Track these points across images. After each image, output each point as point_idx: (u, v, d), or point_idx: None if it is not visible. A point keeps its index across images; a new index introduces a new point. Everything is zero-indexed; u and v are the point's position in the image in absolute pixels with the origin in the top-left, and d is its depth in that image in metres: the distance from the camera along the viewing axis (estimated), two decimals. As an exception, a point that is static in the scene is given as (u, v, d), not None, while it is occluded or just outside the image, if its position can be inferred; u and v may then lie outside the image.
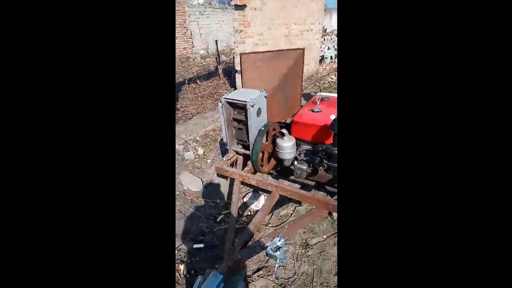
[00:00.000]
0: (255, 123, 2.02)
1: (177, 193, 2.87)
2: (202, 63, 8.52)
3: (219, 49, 6.60)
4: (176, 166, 3.33)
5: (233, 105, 2.03)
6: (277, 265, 1.77)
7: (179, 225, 2.44)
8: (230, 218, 1.73)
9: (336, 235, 2.28)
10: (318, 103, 2.41)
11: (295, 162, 2.15)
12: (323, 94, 2.87)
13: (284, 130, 2.08)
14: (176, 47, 9.27)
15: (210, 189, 2.97)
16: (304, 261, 2.07)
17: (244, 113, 2.00)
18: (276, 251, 1.41)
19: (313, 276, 1.95)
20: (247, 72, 2.60)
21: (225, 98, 1.99)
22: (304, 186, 2.65)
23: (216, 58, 6.65)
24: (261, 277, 1.91)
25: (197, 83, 6.32)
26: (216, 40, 6.38)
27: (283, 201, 2.68)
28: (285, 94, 2.55)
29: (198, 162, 3.41)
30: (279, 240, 1.47)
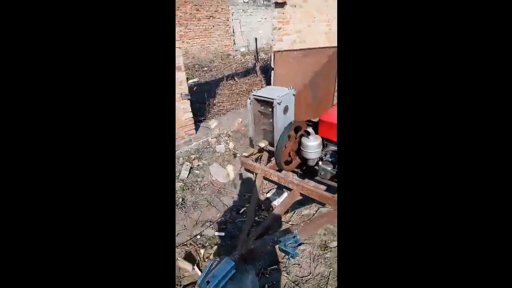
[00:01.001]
0: (281, 120, 2.05)
1: (205, 182, 3.04)
2: (241, 60, 8.72)
3: (259, 47, 6.70)
4: (208, 158, 3.52)
5: (261, 101, 2.08)
6: (288, 261, 1.79)
7: (205, 213, 2.59)
8: (249, 210, 1.80)
9: None
10: (349, 104, 2.33)
11: (320, 163, 2.12)
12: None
13: (310, 129, 2.06)
14: (217, 44, 9.64)
15: (237, 182, 3.08)
16: (321, 262, 2.05)
17: (271, 110, 2.04)
18: (288, 247, 1.43)
19: (328, 278, 1.92)
20: (279, 69, 2.63)
21: (253, 95, 2.05)
22: (330, 188, 2.59)
23: (254, 56, 6.76)
24: (275, 270, 1.95)
25: (234, 79, 6.51)
26: (255, 38, 6.48)
27: (306, 201, 2.66)
28: (317, 92, 2.51)
29: (228, 155, 3.56)
30: (293, 237, 1.49)
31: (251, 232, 1.65)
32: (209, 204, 2.69)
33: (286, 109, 2.08)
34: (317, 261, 2.07)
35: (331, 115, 2.15)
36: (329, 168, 2.09)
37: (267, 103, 2.02)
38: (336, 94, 3.09)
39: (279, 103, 1.94)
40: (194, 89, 5.15)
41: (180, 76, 2.85)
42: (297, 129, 2.15)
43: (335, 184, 2.31)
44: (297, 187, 1.86)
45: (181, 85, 2.90)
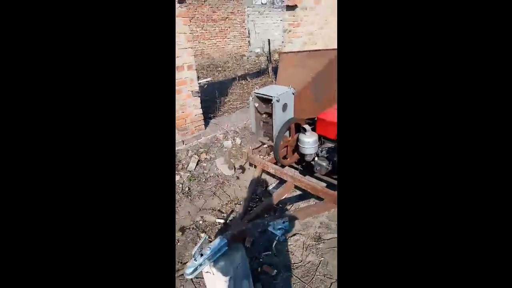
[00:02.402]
0: (280, 117, 2.19)
1: (211, 174, 3.24)
2: (255, 61, 8.92)
3: (273, 48, 6.86)
4: (215, 152, 3.73)
5: (262, 99, 2.24)
6: (275, 243, 1.94)
7: (208, 202, 2.79)
8: (244, 198, 1.95)
9: None
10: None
11: (316, 158, 2.24)
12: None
13: (306, 126, 2.19)
14: (232, 45, 9.90)
15: (241, 175, 3.26)
16: (313, 252, 2.17)
17: (271, 107, 2.19)
18: (277, 230, 1.58)
19: (317, 266, 2.04)
20: (283, 70, 2.77)
21: (255, 92, 2.21)
22: (330, 186, 2.70)
23: (267, 57, 6.92)
24: (268, 256, 2.10)
25: (247, 79, 6.71)
26: (268, 39, 6.63)
27: (306, 195, 2.79)
28: (319, 92, 2.63)
29: (234, 150, 3.75)
30: (283, 222, 1.63)
31: (245, 218, 1.81)
32: (213, 194, 2.88)
33: (285, 107, 2.22)
34: (310, 250, 2.19)
35: (329, 114, 2.26)
36: (324, 163, 2.21)
37: (267, 101, 2.17)
38: (338, 94, 3.18)
39: (277, 101, 2.09)
40: (205, 87, 5.39)
41: (191, 74, 3.06)
42: (296, 126, 2.28)
43: (335, 182, 2.42)
44: (291, 179, 2.00)
45: (192, 83, 3.12)
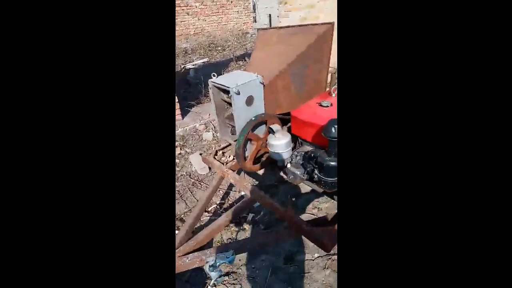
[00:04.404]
0: (244, 113, 1.73)
1: (183, 173, 2.88)
2: (259, 39, 8.21)
3: (274, 25, 6.17)
4: (192, 145, 3.34)
5: (221, 90, 1.78)
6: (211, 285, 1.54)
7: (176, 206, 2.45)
8: (190, 216, 1.57)
9: (330, 257, 1.90)
10: (333, 95, 1.90)
11: (289, 165, 1.79)
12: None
13: (274, 126, 1.73)
14: (235, 21, 9.14)
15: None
16: (280, 279, 1.80)
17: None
18: (213, 270, 1.20)
19: (281, 299, 1.67)
20: (259, 51, 2.25)
21: (211, 81, 1.75)
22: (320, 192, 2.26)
23: (268, 34, 6.25)
24: (225, 283, 1.75)
25: (245, 60, 6.13)
26: (269, 14, 5.94)
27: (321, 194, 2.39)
28: (301, 80, 2.11)
29: (215, 144, 3.33)
30: (227, 257, 1.25)
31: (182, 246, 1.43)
32: (180, 197, 2.53)
33: (250, 100, 1.75)
34: (275, 274, 1.82)
35: (304, 110, 1.77)
36: (299, 172, 1.76)
37: (227, 92, 1.71)
38: (330, 81, 2.64)
39: (237, 93, 1.62)
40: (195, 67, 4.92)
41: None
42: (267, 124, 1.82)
43: (318, 189, 1.98)
44: (251, 193, 1.58)
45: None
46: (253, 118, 1.72)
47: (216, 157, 2.04)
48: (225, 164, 1.94)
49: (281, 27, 2.28)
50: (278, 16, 4.04)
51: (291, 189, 2.58)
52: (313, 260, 1.92)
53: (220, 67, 5.82)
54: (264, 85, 1.82)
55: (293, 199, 2.48)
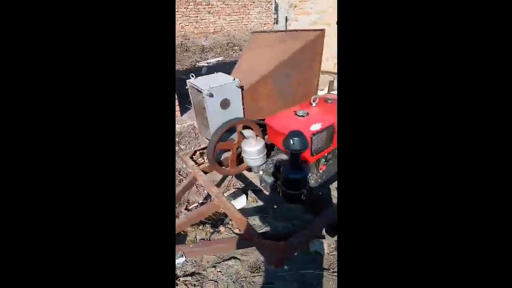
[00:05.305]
0: (217, 117, 1.73)
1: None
2: (278, 41, 8.16)
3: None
4: (188, 142, 3.39)
5: (199, 91, 1.79)
6: None
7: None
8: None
9: (305, 271, 1.83)
10: (313, 105, 1.83)
11: (261, 172, 1.76)
12: (333, 94, 2.16)
13: (247, 131, 1.70)
14: (256, 22, 9.15)
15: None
16: (240, 284, 1.77)
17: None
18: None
19: (237, 308, 1.64)
20: (248, 53, 2.23)
21: (189, 81, 1.76)
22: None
23: (283, 37, 6.19)
24: (187, 283, 1.76)
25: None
26: (286, 17, 5.88)
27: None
28: (284, 85, 2.06)
29: (211, 143, 3.37)
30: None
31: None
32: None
33: (226, 103, 1.74)
34: (239, 283, 1.79)
35: (278, 119, 1.72)
36: (270, 180, 1.72)
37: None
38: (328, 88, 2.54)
39: (209, 95, 1.62)
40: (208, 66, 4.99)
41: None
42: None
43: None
44: (215, 198, 1.57)
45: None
46: (224, 122, 1.71)
47: (194, 157, 2.05)
48: (198, 165, 1.95)
49: (273, 31, 2.24)
50: (287, 20, 3.98)
51: (276, 196, 2.55)
52: (285, 274, 1.85)
53: (233, 66, 5.86)
54: (243, 89, 1.80)
55: (275, 206, 2.43)
